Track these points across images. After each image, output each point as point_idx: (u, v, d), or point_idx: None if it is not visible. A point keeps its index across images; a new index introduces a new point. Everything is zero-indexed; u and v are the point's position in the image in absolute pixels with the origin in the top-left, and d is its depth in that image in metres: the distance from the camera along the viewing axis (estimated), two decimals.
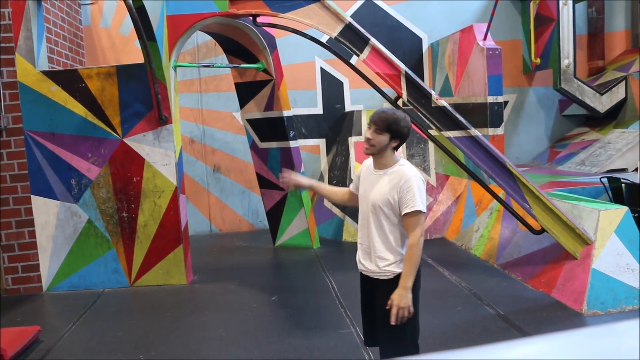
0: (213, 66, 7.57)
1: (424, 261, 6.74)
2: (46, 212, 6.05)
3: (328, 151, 8.97)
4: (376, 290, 3.11)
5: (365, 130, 3.05)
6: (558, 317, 4.65)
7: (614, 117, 8.93)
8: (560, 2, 8.58)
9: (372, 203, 3.03)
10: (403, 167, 3.02)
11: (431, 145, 8.11)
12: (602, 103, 8.80)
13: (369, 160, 3.17)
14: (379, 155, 3.03)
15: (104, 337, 4.76)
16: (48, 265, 6.09)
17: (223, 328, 4.83)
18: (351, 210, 7.78)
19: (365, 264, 3.14)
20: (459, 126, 5.51)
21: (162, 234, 6.06)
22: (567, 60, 8.67)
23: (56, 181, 6.03)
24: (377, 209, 3.02)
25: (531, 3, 9.02)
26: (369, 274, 3.13)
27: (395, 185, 2.98)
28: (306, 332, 4.59)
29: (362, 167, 3.23)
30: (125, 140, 6.01)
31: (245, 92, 7.37)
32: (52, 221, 6.06)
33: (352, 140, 8.25)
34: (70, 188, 6.05)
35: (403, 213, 2.96)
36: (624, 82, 8.75)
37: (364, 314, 3.30)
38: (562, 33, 8.63)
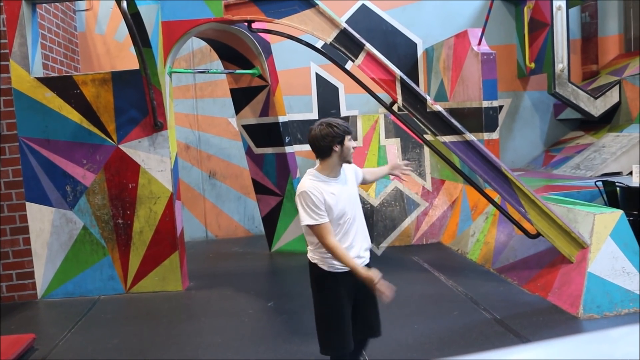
0: (208, 72, 7.57)
1: (420, 266, 6.77)
2: (41, 219, 6.03)
3: None
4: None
5: (349, 142, 3.15)
6: (554, 321, 4.65)
7: (608, 121, 8.96)
8: (554, 7, 8.62)
9: (357, 202, 3.28)
10: None
11: (427, 150, 8.13)
12: (597, 107, 8.83)
13: (314, 181, 3.10)
14: None
15: (99, 344, 4.74)
16: (43, 273, 6.07)
17: (219, 334, 4.82)
18: None
19: (366, 255, 3.29)
20: (454, 131, 5.52)
21: (157, 241, 6.04)
22: (561, 64, 8.71)
23: (51, 188, 6.01)
24: (360, 205, 3.32)
25: (525, 8, 9.06)
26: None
27: (352, 173, 3.34)
28: (303, 338, 4.58)
29: (316, 193, 3.05)
30: (120, 146, 6.00)
31: (241, 97, 7.37)
32: (47, 228, 6.04)
33: None
34: (66, 195, 6.03)
35: (362, 178, 3.51)
36: (617, 86, 8.78)
37: (345, 317, 3.21)
38: (556, 38, 8.66)
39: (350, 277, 3.12)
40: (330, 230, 3.07)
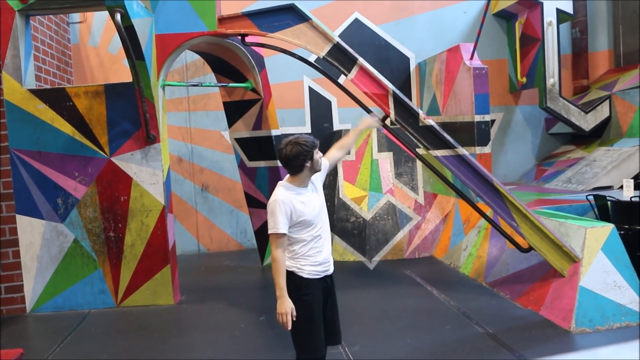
0: (201, 85, 7.58)
1: (412, 280, 6.76)
2: (31, 231, 5.98)
3: None
4: (332, 283, 3.51)
5: (317, 154, 3.36)
6: (547, 335, 4.65)
7: (598, 135, 9.03)
8: (545, 22, 8.72)
9: (325, 206, 3.47)
10: None
11: (419, 163, 8.15)
12: (587, 121, 8.90)
13: (285, 192, 3.28)
14: None
15: (89, 359, 4.69)
16: (32, 286, 6.01)
17: (211, 349, 4.78)
18: (340, 229, 7.77)
19: (331, 262, 3.49)
20: (446, 145, 5.54)
21: (149, 254, 6.01)
22: (552, 79, 8.78)
23: (42, 200, 5.97)
24: (325, 206, 3.49)
25: (517, 23, 9.16)
26: (331, 271, 3.48)
27: (318, 178, 3.49)
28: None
29: (288, 204, 3.23)
30: (112, 159, 5.98)
31: (234, 111, 7.38)
32: (37, 241, 5.99)
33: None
34: (57, 207, 5.99)
35: (330, 163, 3.72)
36: (607, 100, 8.86)
37: (320, 321, 3.40)
38: (547, 53, 8.75)
39: (323, 283, 3.39)
40: (284, 245, 3.27)
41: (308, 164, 3.30)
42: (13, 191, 5.94)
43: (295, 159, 3.26)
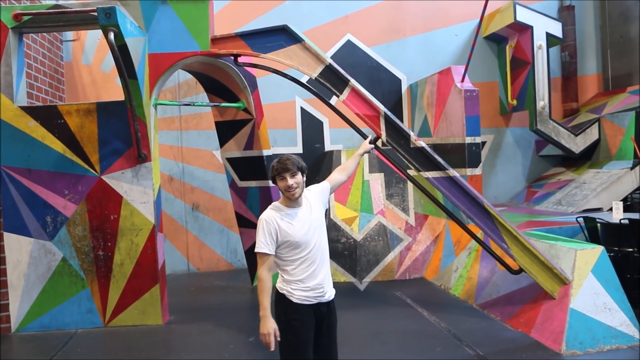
0: (194, 104, 7.59)
1: (403, 301, 6.73)
2: (19, 249, 5.92)
3: None
4: (328, 311, 3.36)
5: (281, 182, 3.25)
6: (537, 357, 4.63)
7: (588, 157, 9.11)
8: (535, 46, 8.83)
9: (321, 229, 3.34)
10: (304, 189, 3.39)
11: (410, 185, 8.17)
12: (577, 144, 8.98)
13: (272, 212, 3.28)
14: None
15: None
16: (18, 305, 5.92)
17: None
18: (331, 250, 7.74)
19: (329, 289, 3.35)
20: (437, 167, 5.56)
21: (138, 273, 5.96)
22: (542, 102, 8.88)
23: (31, 218, 5.92)
24: (324, 229, 3.38)
25: (507, 46, 9.27)
26: (327, 298, 3.34)
27: (317, 198, 3.42)
28: None
29: (272, 224, 3.23)
30: (103, 177, 5.95)
31: (226, 130, 7.39)
32: (24, 259, 5.93)
33: None
34: (45, 225, 5.95)
35: (332, 186, 3.65)
36: (597, 123, 8.96)
37: (310, 347, 3.29)
38: (537, 76, 8.86)
39: (315, 309, 3.28)
40: (268, 264, 3.24)
41: (278, 185, 3.29)
42: (1, 208, 5.89)
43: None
